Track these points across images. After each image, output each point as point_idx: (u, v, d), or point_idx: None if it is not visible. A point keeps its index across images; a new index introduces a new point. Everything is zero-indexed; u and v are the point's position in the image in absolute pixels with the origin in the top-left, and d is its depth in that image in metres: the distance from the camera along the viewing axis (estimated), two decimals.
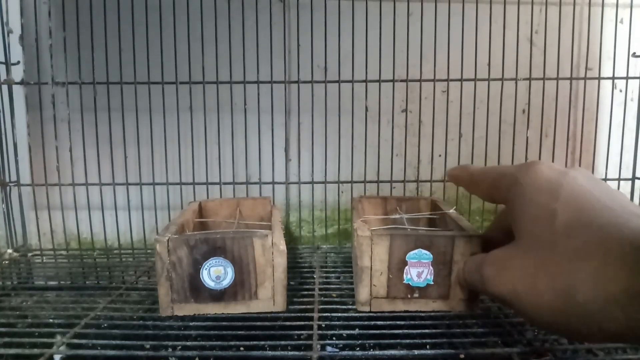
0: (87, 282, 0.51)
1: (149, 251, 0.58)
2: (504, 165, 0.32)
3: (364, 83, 0.56)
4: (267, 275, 0.37)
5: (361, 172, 0.59)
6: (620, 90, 0.60)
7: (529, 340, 0.35)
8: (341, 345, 0.36)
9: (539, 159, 0.59)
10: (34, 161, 0.58)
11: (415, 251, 0.37)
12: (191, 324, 0.37)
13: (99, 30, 0.54)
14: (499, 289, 0.28)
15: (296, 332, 0.36)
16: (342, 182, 0.60)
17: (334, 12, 0.56)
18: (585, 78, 0.57)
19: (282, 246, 0.37)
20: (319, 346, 0.33)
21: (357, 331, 0.37)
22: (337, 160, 0.59)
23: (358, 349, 0.36)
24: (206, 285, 0.37)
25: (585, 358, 0.33)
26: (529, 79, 0.56)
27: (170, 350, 0.36)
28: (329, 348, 0.36)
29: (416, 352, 0.33)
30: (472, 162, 0.59)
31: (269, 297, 0.38)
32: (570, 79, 0.57)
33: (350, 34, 0.57)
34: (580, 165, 0.60)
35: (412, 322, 0.37)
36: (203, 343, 0.35)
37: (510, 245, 0.28)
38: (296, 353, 0.33)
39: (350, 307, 0.40)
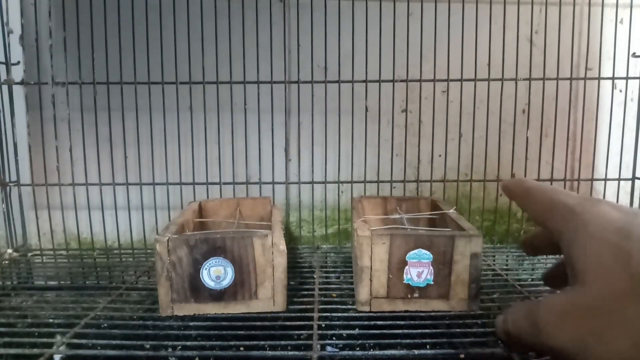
0: (87, 282, 0.51)
1: (149, 251, 0.58)
2: (563, 192, 0.29)
3: (364, 83, 0.56)
4: (267, 275, 0.37)
5: (361, 172, 0.59)
6: (620, 90, 0.60)
7: None
8: (341, 345, 0.36)
9: (539, 159, 0.59)
10: (34, 161, 0.58)
11: (415, 251, 0.37)
12: (191, 323, 0.37)
13: (99, 30, 0.54)
14: (561, 341, 0.24)
15: (296, 332, 0.36)
16: (342, 182, 0.60)
17: (334, 12, 0.56)
18: (585, 78, 0.57)
19: (282, 246, 0.37)
20: (319, 346, 0.33)
21: (357, 331, 0.37)
22: (337, 160, 0.59)
23: (358, 349, 0.36)
24: (206, 285, 0.37)
25: None
26: (529, 79, 0.56)
27: (170, 350, 0.35)
28: (329, 348, 0.36)
29: (416, 352, 0.33)
30: (472, 162, 0.59)
31: (269, 297, 0.38)
32: (570, 79, 0.57)
33: (350, 34, 0.57)
34: (580, 165, 0.60)
35: (412, 322, 0.37)
36: (203, 343, 0.35)
37: (572, 289, 0.25)
38: (296, 353, 0.33)
39: (350, 307, 0.40)
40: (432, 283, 0.37)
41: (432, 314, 0.37)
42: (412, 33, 0.56)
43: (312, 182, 0.60)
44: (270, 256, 0.37)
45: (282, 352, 0.33)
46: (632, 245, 0.23)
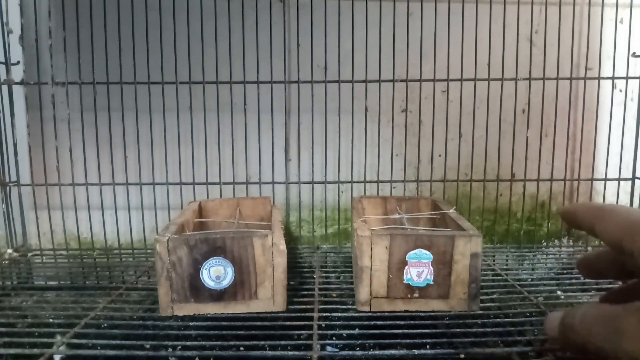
0: (87, 282, 0.51)
1: (149, 251, 0.58)
2: (636, 210, 0.27)
3: (364, 83, 0.56)
4: (267, 275, 0.37)
5: (361, 172, 0.59)
6: (620, 90, 0.60)
7: (529, 340, 0.35)
8: (341, 345, 0.36)
9: (539, 158, 0.59)
10: (33, 161, 0.58)
11: (415, 251, 0.37)
12: (191, 323, 0.37)
13: (98, 30, 0.54)
14: None
15: (296, 332, 0.36)
16: (342, 182, 0.60)
17: (334, 12, 0.56)
18: (585, 78, 0.57)
19: (282, 246, 0.37)
20: (318, 346, 0.33)
21: (357, 331, 0.37)
22: (337, 160, 0.59)
23: (358, 348, 0.36)
24: (206, 285, 0.37)
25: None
26: (529, 78, 0.56)
27: (170, 350, 0.35)
28: (329, 348, 0.36)
29: (416, 352, 0.33)
30: (472, 162, 0.59)
31: (269, 297, 0.38)
32: (570, 78, 0.57)
33: (350, 33, 0.57)
34: (580, 165, 0.60)
35: (412, 322, 0.37)
36: (203, 343, 0.35)
37: None
38: (296, 353, 0.33)
39: (350, 307, 0.40)
40: (432, 283, 0.37)
41: (432, 313, 0.37)
42: (412, 33, 0.56)
43: (312, 182, 0.60)
44: (270, 256, 0.37)
45: (282, 352, 0.33)
46: None
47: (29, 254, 0.58)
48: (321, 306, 0.40)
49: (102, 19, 0.54)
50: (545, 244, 0.64)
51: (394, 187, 0.60)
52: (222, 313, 0.38)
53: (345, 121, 0.58)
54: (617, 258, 0.30)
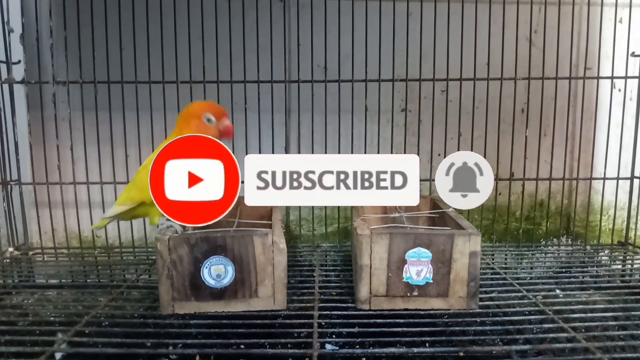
0: (88, 280, 0.51)
1: (149, 249, 0.59)
2: None
3: (364, 82, 0.57)
4: (268, 273, 0.38)
5: None
6: (619, 90, 0.60)
7: (527, 338, 0.36)
8: (341, 343, 0.36)
9: (538, 158, 0.59)
10: (35, 160, 0.58)
11: (415, 249, 0.37)
12: (192, 322, 0.38)
13: (99, 30, 0.55)
14: None
15: (296, 330, 0.36)
16: None
17: (334, 12, 0.56)
18: (584, 77, 0.57)
19: (282, 244, 0.37)
20: (318, 344, 0.34)
21: (356, 329, 0.37)
22: None
23: (358, 347, 0.36)
24: (207, 284, 0.37)
25: (584, 356, 0.33)
26: (528, 78, 0.56)
27: (171, 348, 0.36)
28: (328, 346, 0.36)
29: (415, 350, 0.33)
30: None
31: (269, 295, 0.38)
32: (569, 78, 0.57)
33: (350, 33, 0.57)
34: (579, 165, 0.61)
35: (412, 320, 0.37)
36: (204, 341, 0.36)
37: None
38: (296, 351, 0.33)
39: (350, 305, 0.40)
40: (431, 281, 0.37)
41: (431, 312, 0.38)
42: (411, 33, 0.57)
43: None
44: (271, 255, 0.37)
45: (282, 350, 0.33)
46: None
47: (30, 252, 0.58)
48: (321, 304, 0.41)
49: (103, 18, 0.55)
50: (544, 242, 0.64)
51: None
52: (223, 311, 0.38)
53: (345, 120, 0.58)
54: None
